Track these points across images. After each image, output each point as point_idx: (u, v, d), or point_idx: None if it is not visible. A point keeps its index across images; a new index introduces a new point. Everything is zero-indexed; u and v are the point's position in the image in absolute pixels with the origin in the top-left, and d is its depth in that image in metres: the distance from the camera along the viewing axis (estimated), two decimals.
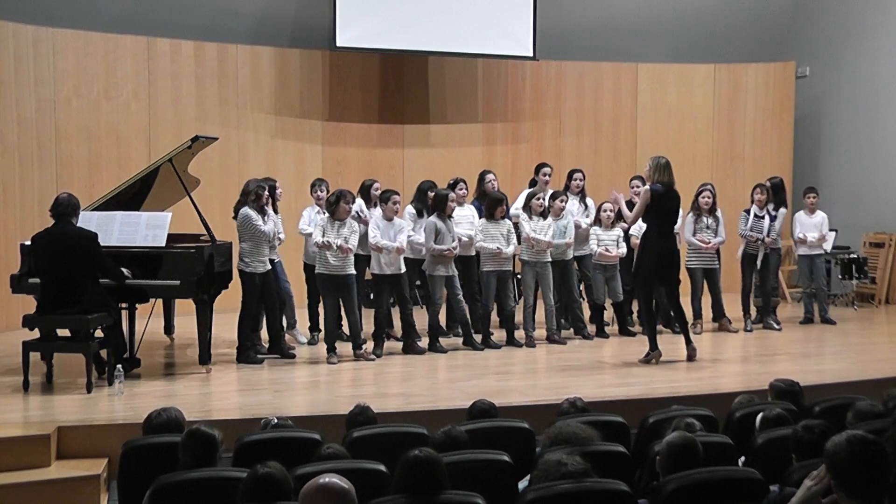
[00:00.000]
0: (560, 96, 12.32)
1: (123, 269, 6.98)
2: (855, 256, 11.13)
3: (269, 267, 7.91)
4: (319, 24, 11.15)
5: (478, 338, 8.52)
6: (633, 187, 9.48)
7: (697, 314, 9.33)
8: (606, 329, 9.15)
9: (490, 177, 9.21)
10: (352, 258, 7.85)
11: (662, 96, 12.50)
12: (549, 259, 8.63)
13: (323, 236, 7.71)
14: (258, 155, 11.01)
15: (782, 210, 9.71)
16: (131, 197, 7.76)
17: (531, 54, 11.60)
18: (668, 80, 12.51)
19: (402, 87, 11.72)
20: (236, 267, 7.82)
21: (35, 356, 6.76)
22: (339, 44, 10.90)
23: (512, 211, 8.98)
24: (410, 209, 8.71)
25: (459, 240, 8.35)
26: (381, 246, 7.97)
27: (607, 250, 8.97)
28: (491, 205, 8.51)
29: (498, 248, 8.36)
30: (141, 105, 10.44)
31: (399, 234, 8.11)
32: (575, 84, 12.36)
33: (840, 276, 11.03)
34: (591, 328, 9.10)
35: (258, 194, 7.79)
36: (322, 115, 11.40)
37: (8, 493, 5.27)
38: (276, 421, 5.00)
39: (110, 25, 10.25)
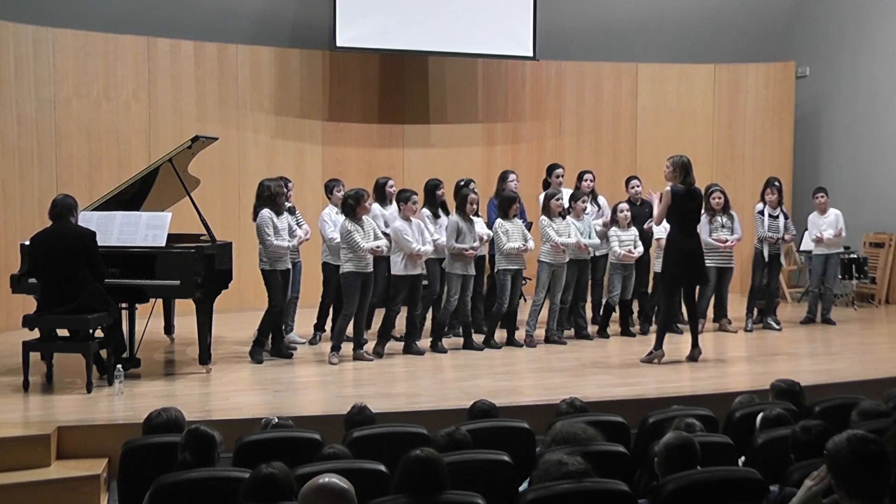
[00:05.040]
0: (560, 96, 12.32)
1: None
2: (855, 256, 11.11)
3: (289, 266, 7.95)
4: (319, 24, 11.15)
5: (478, 338, 8.52)
6: (631, 187, 9.49)
7: (702, 314, 9.32)
8: (607, 329, 9.15)
9: (512, 177, 9.20)
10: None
11: (662, 96, 12.50)
12: (568, 259, 8.64)
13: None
14: (258, 155, 11.01)
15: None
16: (131, 197, 7.76)
17: (531, 54, 11.59)
18: (668, 80, 12.51)
19: (402, 87, 11.72)
20: (258, 266, 7.86)
21: (35, 356, 6.76)
22: (339, 44, 10.89)
23: (541, 226, 8.85)
24: (426, 211, 8.58)
25: (481, 239, 8.39)
26: (422, 253, 7.94)
27: (630, 251, 8.98)
28: (505, 204, 8.52)
29: (523, 246, 8.37)
30: (141, 105, 10.43)
31: (423, 234, 8.08)
32: (575, 84, 12.36)
33: (840, 276, 11.02)
34: (592, 329, 9.11)
35: (280, 192, 7.83)
36: (322, 115, 11.40)
37: (8, 493, 5.27)
38: (276, 421, 5.00)
39: (110, 25, 10.25)
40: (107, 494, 5.49)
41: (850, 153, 12.43)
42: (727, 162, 12.58)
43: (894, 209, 11.60)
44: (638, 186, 9.44)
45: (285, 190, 8.00)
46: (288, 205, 8.20)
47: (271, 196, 7.83)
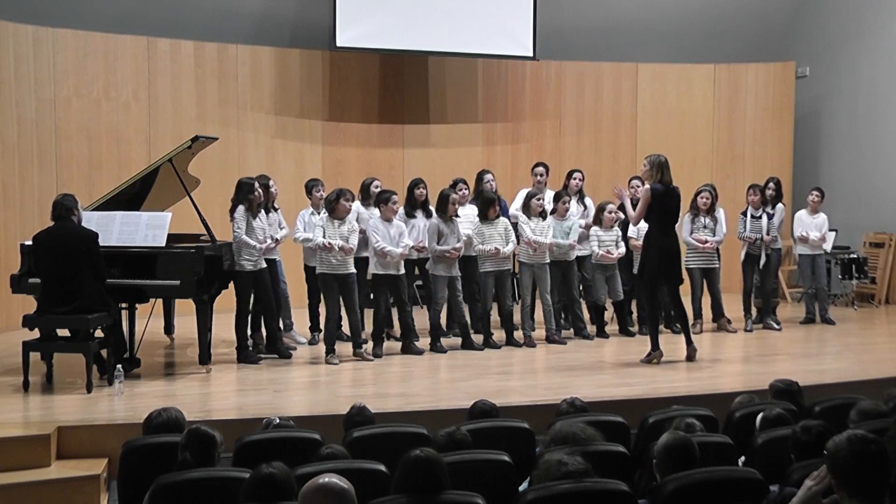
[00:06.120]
0: (560, 96, 12.32)
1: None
2: (855, 256, 11.13)
3: (263, 265, 7.86)
4: (319, 24, 11.15)
5: (478, 338, 8.52)
6: (632, 187, 9.48)
7: (697, 314, 9.34)
8: (606, 329, 9.15)
9: (488, 177, 9.19)
10: (352, 257, 7.85)
11: (662, 96, 12.50)
12: (548, 260, 8.62)
13: (324, 237, 7.71)
14: (258, 155, 11.01)
15: (780, 206, 9.75)
16: (131, 197, 7.76)
17: (531, 54, 11.60)
18: (668, 80, 12.51)
19: (402, 87, 11.72)
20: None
21: (35, 356, 6.75)
22: (339, 44, 10.90)
23: (511, 211, 8.96)
24: (401, 212, 8.58)
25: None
26: (386, 252, 7.93)
27: (609, 252, 8.97)
28: (484, 205, 8.50)
29: (496, 249, 8.35)
30: (141, 105, 10.44)
31: (400, 236, 8.07)
32: (575, 84, 12.36)
33: (840, 276, 11.03)
34: (591, 328, 9.10)
35: (251, 194, 7.70)
36: (322, 115, 11.40)
37: (8, 493, 5.27)
38: (277, 421, 5.00)
39: (110, 25, 10.25)
40: (107, 494, 5.49)
41: (850, 153, 12.43)
42: (727, 162, 12.59)
43: (894, 209, 11.61)
44: (638, 187, 9.43)
45: (254, 190, 7.69)
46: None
47: (239, 196, 7.69)
